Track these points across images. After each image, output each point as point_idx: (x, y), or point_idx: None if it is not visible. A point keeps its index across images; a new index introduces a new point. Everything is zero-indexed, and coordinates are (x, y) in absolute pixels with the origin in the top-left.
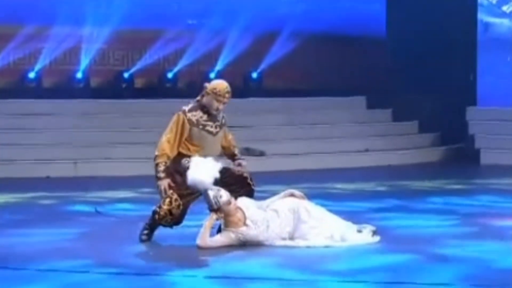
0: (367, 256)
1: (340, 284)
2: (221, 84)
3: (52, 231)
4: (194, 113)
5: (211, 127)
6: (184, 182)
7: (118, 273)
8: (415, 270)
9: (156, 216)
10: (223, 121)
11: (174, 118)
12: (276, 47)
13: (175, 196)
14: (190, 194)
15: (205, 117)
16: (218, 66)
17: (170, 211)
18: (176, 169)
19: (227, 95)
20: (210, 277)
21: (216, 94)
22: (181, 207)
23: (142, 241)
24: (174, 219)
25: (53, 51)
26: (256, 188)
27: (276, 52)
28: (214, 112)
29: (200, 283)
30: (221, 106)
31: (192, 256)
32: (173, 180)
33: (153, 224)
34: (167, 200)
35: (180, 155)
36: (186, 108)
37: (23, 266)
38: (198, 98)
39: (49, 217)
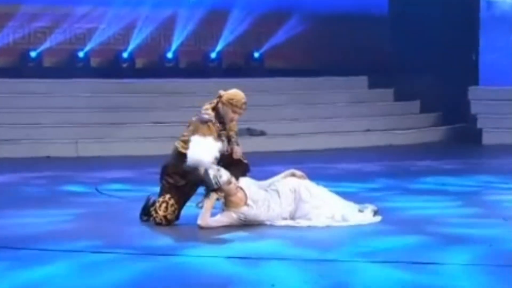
0: (379, 237)
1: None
2: (238, 95)
3: (53, 212)
4: (217, 124)
5: (224, 136)
6: (184, 181)
7: (121, 253)
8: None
9: (153, 220)
10: (234, 134)
11: (204, 129)
12: (277, 27)
13: (171, 201)
14: (187, 194)
15: (220, 126)
16: (220, 46)
17: (165, 217)
18: (177, 170)
19: (244, 106)
20: (213, 257)
21: (232, 105)
22: (176, 211)
23: (143, 220)
24: (169, 223)
25: (54, 30)
26: (252, 167)
27: (277, 32)
28: (229, 123)
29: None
30: (236, 117)
31: (194, 236)
32: (172, 178)
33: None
34: (163, 205)
35: (184, 156)
36: (212, 118)
37: (35, 246)
38: (212, 105)
39: (50, 197)
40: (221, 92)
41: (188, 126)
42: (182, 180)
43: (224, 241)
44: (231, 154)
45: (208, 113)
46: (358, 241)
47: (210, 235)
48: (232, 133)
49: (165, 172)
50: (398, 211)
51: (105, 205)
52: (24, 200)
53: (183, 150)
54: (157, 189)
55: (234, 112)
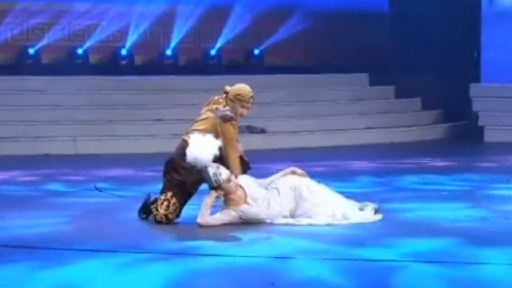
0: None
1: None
2: (244, 89)
3: (52, 210)
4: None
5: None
6: (191, 177)
7: (116, 251)
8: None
9: (153, 219)
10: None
11: (230, 128)
12: (278, 24)
13: (173, 200)
14: (190, 191)
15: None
16: (219, 43)
17: (166, 216)
18: (182, 164)
19: (251, 100)
20: (213, 255)
21: (240, 100)
22: (177, 210)
23: (141, 218)
24: (169, 222)
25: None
26: (252, 165)
27: (278, 29)
28: (238, 118)
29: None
30: (245, 112)
31: (192, 235)
32: (178, 173)
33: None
34: (165, 204)
35: None
36: (234, 116)
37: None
38: (224, 102)
39: (48, 195)
40: (227, 88)
41: (198, 121)
42: (189, 175)
43: (223, 240)
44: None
45: (228, 110)
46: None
47: (210, 233)
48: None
49: (171, 167)
50: (399, 210)
51: (105, 204)
52: (21, 200)
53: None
54: (157, 187)
55: (243, 107)
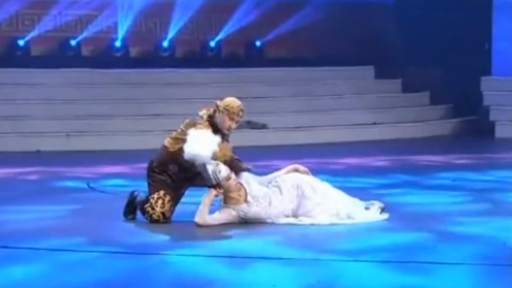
0: (374, 235)
1: (343, 263)
2: (234, 102)
3: (42, 208)
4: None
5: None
6: (170, 179)
7: (113, 252)
8: (424, 249)
9: (148, 219)
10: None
11: (203, 127)
12: (279, 15)
13: (167, 197)
14: (179, 190)
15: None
16: (219, 35)
17: (163, 213)
18: (163, 167)
19: (240, 113)
20: (210, 256)
21: (229, 112)
22: (172, 208)
23: (128, 219)
24: (166, 220)
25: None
26: (252, 162)
27: (279, 20)
28: (226, 131)
29: (199, 263)
30: (233, 125)
31: (190, 234)
32: (165, 170)
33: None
34: (160, 201)
35: (170, 154)
36: (204, 117)
37: (15, 244)
38: (210, 112)
39: (39, 193)
40: (218, 102)
41: (172, 138)
42: (169, 178)
43: (222, 240)
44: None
45: (202, 115)
46: (350, 239)
47: (208, 233)
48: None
49: (151, 168)
50: (405, 209)
51: (97, 202)
52: (10, 197)
53: (169, 148)
54: None
55: (231, 119)
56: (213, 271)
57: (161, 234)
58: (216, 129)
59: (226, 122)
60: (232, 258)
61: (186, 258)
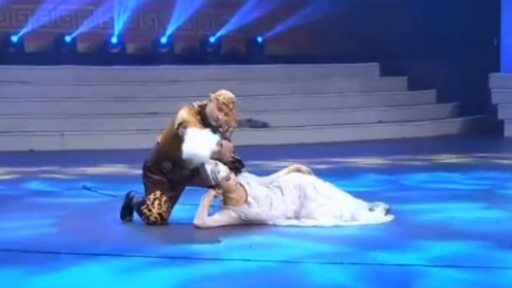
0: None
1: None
2: (226, 93)
3: (36, 209)
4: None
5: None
6: (165, 178)
7: (105, 255)
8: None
9: (146, 221)
10: (227, 135)
11: (185, 109)
12: (281, 10)
13: (164, 197)
14: (176, 190)
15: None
16: (219, 30)
17: (160, 214)
18: (157, 166)
19: (231, 105)
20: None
21: (218, 101)
22: (170, 208)
23: (126, 221)
24: (164, 221)
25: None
26: (253, 161)
27: (281, 15)
28: (213, 123)
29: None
30: (221, 116)
31: (188, 237)
32: (160, 169)
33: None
34: (156, 202)
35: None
36: (193, 105)
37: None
38: (200, 104)
39: (32, 194)
40: (211, 94)
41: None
42: (164, 177)
43: (222, 243)
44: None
45: (193, 104)
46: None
47: (208, 235)
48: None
49: (146, 169)
50: (411, 210)
51: (93, 203)
52: (2, 200)
53: (161, 144)
54: None
55: (220, 109)
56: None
57: (158, 237)
58: (204, 121)
59: (214, 112)
60: (231, 261)
61: (183, 262)
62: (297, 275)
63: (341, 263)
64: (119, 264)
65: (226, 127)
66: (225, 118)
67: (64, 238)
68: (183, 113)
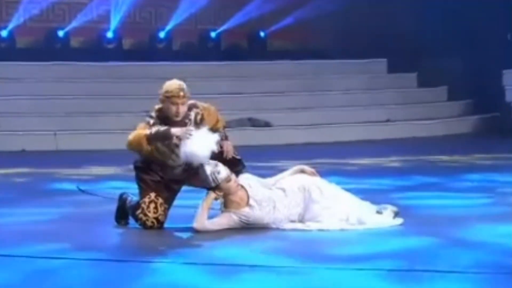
0: (380, 241)
1: (340, 271)
2: (171, 85)
3: (28, 212)
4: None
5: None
6: (157, 176)
7: (96, 259)
8: (431, 256)
9: (142, 226)
10: (197, 118)
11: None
12: (284, 4)
13: (160, 199)
14: (172, 190)
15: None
16: (220, 25)
17: (157, 219)
18: (147, 164)
19: (181, 94)
20: (206, 264)
21: (168, 97)
22: (166, 211)
23: (121, 224)
24: (161, 225)
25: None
26: (255, 162)
27: (285, 9)
28: (176, 118)
29: (192, 271)
30: (180, 109)
31: (187, 241)
32: (151, 168)
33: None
34: (152, 206)
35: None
36: (150, 120)
37: None
38: (157, 108)
39: (24, 196)
40: (159, 91)
41: None
42: (157, 176)
43: (222, 247)
44: (220, 152)
45: (151, 114)
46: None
47: (207, 239)
48: (220, 128)
49: (137, 168)
50: (422, 212)
51: (88, 206)
52: None
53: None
54: None
55: (174, 103)
56: (204, 280)
57: (154, 240)
58: (168, 122)
59: (171, 109)
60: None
61: (179, 267)
62: (300, 282)
63: (347, 268)
64: (114, 269)
65: (194, 115)
66: (184, 109)
67: (57, 242)
68: (129, 136)
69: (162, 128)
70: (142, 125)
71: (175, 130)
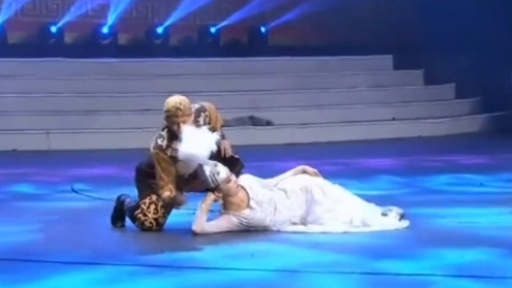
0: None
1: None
2: (169, 103)
3: (19, 214)
4: (171, 147)
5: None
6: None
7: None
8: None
9: (140, 227)
10: (206, 121)
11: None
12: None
13: (161, 202)
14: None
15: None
16: (219, 20)
17: (156, 220)
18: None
19: (179, 113)
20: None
21: (168, 118)
22: (166, 214)
23: (117, 226)
24: (160, 227)
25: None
26: (256, 162)
27: (287, 4)
28: (180, 133)
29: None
30: (182, 127)
31: (185, 244)
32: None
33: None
34: (152, 207)
35: None
36: (162, 144)
37: None
38: (165, 126)
39: (16, 199)
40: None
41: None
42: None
43: (221, 251)
44: (218, 151)
45: (162, 134)
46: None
47: (206, 242)
48: (218, 127)
49: (141, 172)
50: (427, 215)
51: (82, 207)
52: None
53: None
54: None
55: (174, 122)
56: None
57: (152, 244)
58: (174, 137)
59: (173, 127)
60: (230, 271)
61: (177, 271)
62: (302, 287)
63: (351, 273)
64: (109, 273)
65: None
66: (187, 124)
67: (50, 245)
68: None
69: (171, 196)
70: (153, 145)
71: (180, 201)
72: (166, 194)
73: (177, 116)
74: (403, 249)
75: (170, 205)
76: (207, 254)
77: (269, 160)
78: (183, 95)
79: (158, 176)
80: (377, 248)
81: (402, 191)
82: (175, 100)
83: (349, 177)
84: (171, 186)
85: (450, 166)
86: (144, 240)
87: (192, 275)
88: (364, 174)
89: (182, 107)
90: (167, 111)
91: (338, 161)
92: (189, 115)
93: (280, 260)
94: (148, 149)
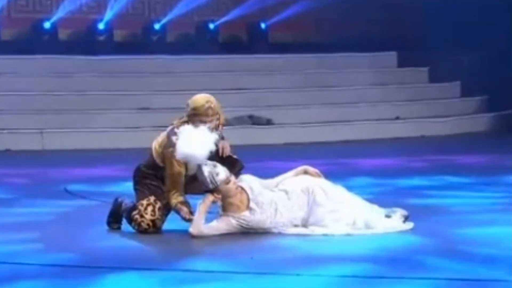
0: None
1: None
2: (197, 101)
3: (11, 214)
4: None
5: None
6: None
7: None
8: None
9: (136, 228)
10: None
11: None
12: None
13: (158, 204)
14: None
15: None
16: (218, 16)
17: (153, 222)
18: (155, 172)
19: (209, 112)
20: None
21: (196, 115)
22: (164, 216)
23: (113, 228)
24: (157, 230)
25: None
26: (256, 163)
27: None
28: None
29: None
30: (210, 126)
31: (183, 247)
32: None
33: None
34: (150, 208)
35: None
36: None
37: None
38: (183, 119)
39: (9, 200)
40: (188, 102)
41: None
42: (160, 183)
43: (220, 254)
44: (217, 151)
45: (175, 132)
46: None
47: (203, 245)
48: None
49: (140, 173)
50: (432, 217)
51: (77, 209)
52: None
53: (158, 151)
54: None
55: (201, 121)
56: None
57: (149, 246)
58: None
59: (198, 126)
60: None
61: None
62: None
63: (354, 276)
64: (104, 276)
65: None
66: (212, 125)
67: (42, 248)
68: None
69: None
70: (165, 141)
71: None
72: (178, 201)
73: (207, 115)
74: (406, 252)
75: (176, 212)
76: (204, 257)
77: (269, 160)
78: (182, 94)
79: (169, 178)
80: (380, 251)
81: (405, 192)
82: (204, 98)
83: (351, 178)
84: (182, 193)
85: (454, 166)
86: (140, 242)
87: (187, 280)
88: (367, 174)
89: (213, 105)
90: (195, 109)
91: (341, 161)
92: (217, 114)
93: (281, 263)
94: (148, 149)
